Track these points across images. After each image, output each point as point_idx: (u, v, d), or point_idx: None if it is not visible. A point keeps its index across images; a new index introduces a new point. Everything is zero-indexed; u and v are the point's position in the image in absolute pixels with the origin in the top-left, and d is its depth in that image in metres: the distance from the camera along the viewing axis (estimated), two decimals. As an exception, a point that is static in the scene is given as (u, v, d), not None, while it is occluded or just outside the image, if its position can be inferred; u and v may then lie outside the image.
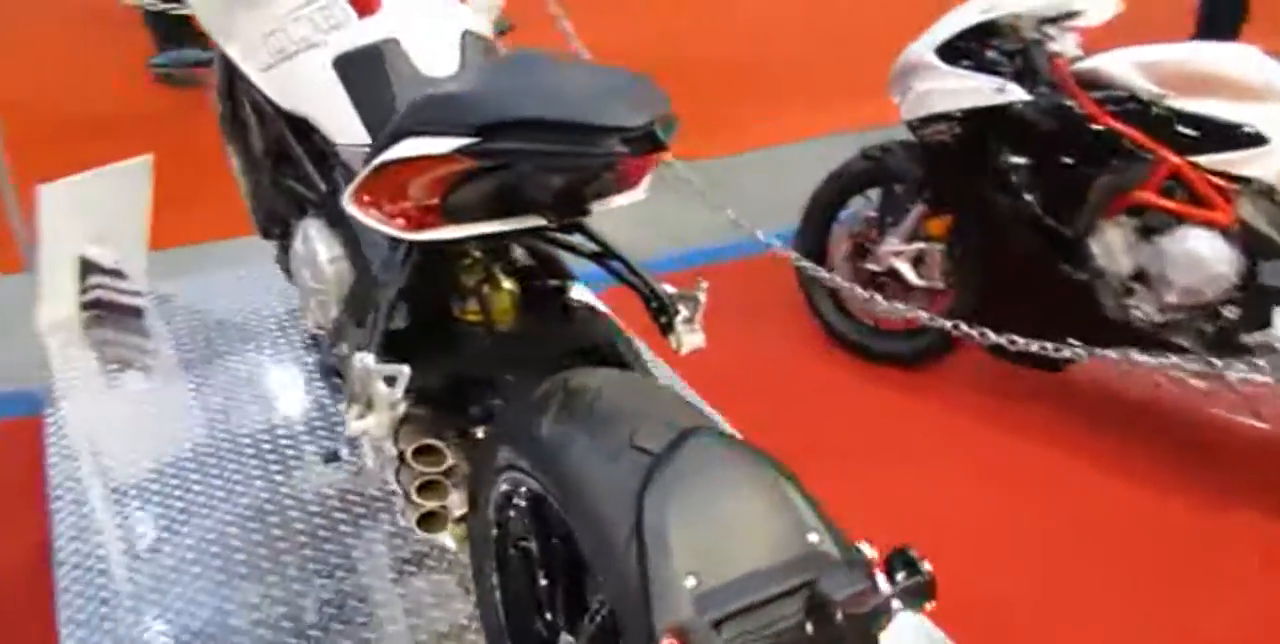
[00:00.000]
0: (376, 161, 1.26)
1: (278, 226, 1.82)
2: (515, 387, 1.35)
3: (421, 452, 1.41)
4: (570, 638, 1.29)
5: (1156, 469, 2.46)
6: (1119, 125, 2.35)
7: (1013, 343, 2.35)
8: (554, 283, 1.53)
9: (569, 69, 1.24)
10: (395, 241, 1.37)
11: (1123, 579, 2.17)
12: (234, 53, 1.64)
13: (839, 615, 0.99)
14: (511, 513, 1.37)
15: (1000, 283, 2.63)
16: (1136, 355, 2.33)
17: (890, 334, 2.89)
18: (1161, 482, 2.42)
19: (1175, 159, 2.30)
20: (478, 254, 1.46)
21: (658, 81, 1.22)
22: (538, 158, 1.16)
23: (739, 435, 1.18)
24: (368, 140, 1.46)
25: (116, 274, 2.54)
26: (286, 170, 1.66)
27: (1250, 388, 2.36)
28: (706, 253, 3.34)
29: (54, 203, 2.41)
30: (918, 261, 2.77)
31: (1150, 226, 2.37)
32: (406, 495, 1.44)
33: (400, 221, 1.27)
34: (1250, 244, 2.28)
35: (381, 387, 1.27)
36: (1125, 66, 2.37)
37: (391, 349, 1.37)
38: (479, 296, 1.45)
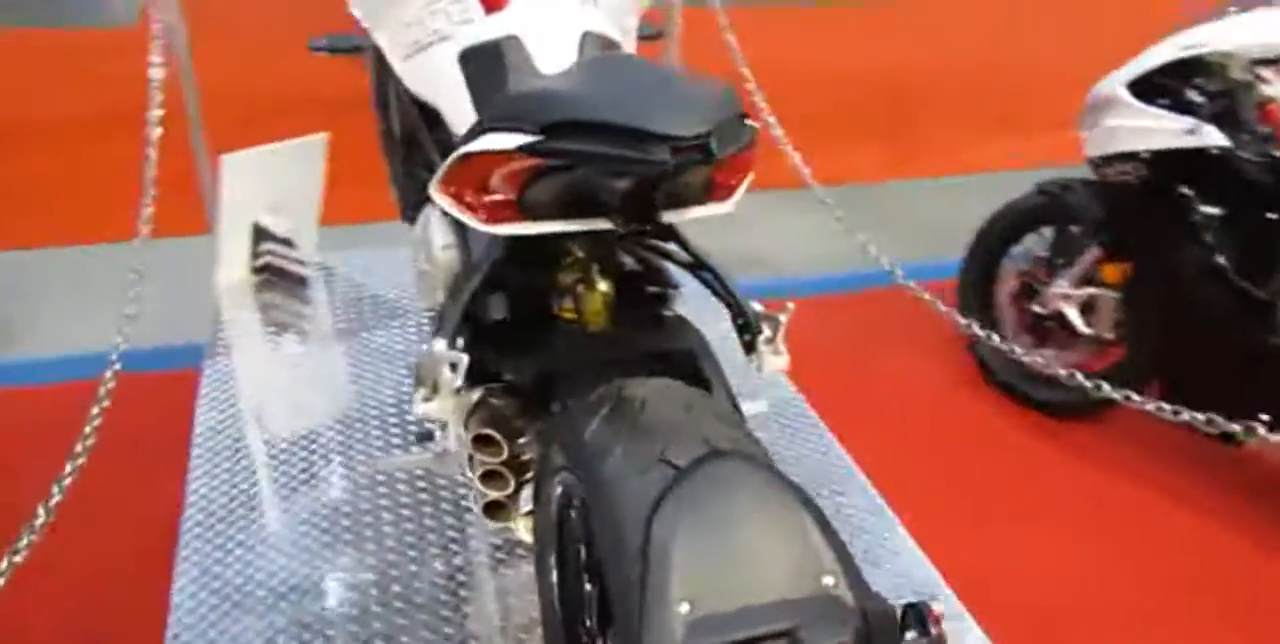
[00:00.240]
0: (458, 153, 1.29)
1: (411, 210, 1.89)
2: (581, 388, 1.35)
3: (482, 441, 1.44)
4: (601, 645, 1.29)
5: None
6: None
7: (1177, 414, 2.12)
8: (653, 290, 1.52)
9: (649, 73, 1.23)
10: (493, 235, 1.40)
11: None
12: (382, 41, 1.71)
13: None
14: (571, 513, 1.37)
15: (1178, 342, 2.45)
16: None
17: (1051, 380, 2.74)
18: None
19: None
20: (580, 254, 1.47)
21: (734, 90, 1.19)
22: (593, 160, 1.16)
23: (769, 460, 1.13)
24: None
25: (287, 243, 2.70)
26: (418, 157, 1.71)
27: None
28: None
29: (235, 172, 2.57)
30: (1087, 308, 2.62)
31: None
32: (473, 483, 1.47)
33: (482, 214, 1.30)
34: None
35: (446, 372, 1.30)
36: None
37: (487, 340, 1.39)
38: (574, 295, 1.46)
